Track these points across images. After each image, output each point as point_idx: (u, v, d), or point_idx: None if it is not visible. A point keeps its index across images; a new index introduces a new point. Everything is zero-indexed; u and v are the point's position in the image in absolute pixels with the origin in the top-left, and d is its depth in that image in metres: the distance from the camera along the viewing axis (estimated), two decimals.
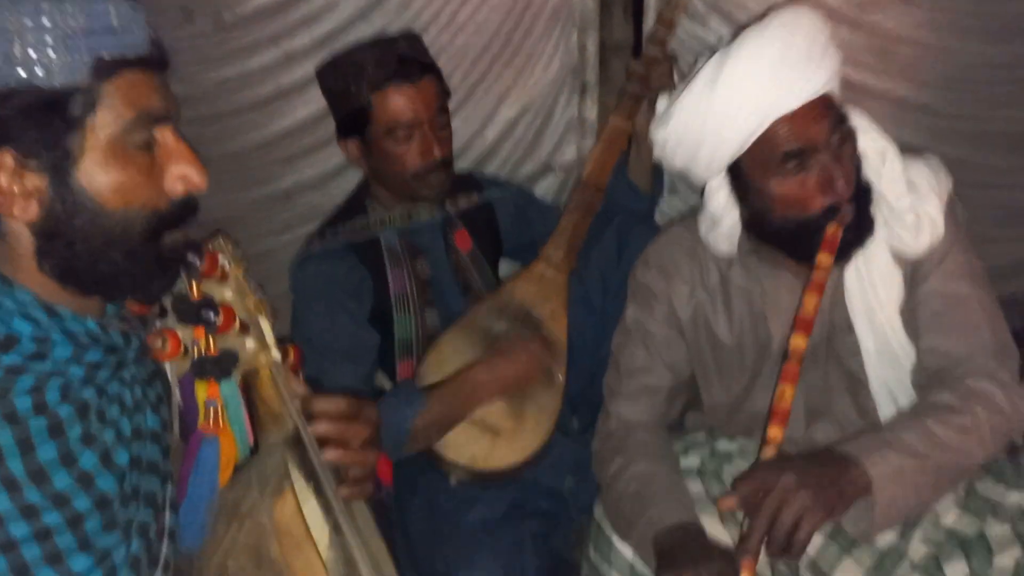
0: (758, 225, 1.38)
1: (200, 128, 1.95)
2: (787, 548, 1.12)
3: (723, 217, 1.40)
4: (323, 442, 0.97)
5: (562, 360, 1.70)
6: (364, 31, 1.86)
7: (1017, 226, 1.53)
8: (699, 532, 1.29)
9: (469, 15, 1.96)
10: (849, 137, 1.31)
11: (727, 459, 1.51)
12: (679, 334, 1.52)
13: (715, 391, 1.54)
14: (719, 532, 1.38)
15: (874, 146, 1.34)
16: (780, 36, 1.28)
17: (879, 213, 1.33)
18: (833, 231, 1.28)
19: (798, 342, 1.24)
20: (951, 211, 1.36)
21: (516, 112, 2.11)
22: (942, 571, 1.32)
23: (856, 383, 1.43)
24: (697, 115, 1.31)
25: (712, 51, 1.91)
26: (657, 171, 1.89)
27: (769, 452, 1.19)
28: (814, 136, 1.26)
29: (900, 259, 1.36)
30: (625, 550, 1.36)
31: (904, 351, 1.38)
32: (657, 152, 1.43)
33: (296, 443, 0.95)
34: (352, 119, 1.68)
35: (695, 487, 1.44)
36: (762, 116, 1.26)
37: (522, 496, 1.64)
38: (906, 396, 1.41)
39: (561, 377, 1.67)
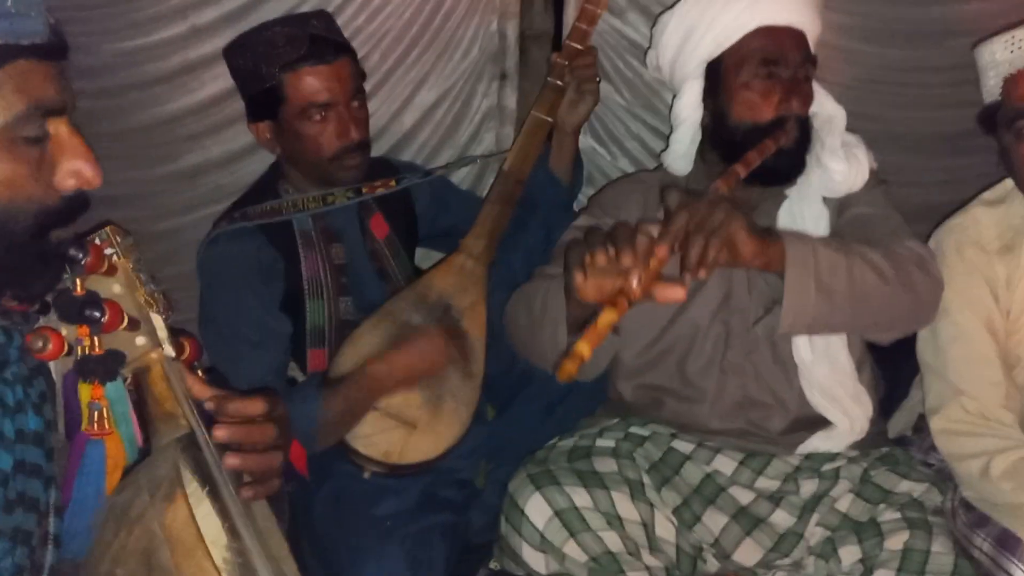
0: (715, 127, 1.56)
1: (102, 101, 1.86)
2: (699, 260, 1.19)
3: (686, 118, 1.58)
4: (224, 446, 0.93)
5: (480, 352, 1.69)
6: (276, 9, 1.79)
7: (917, 223, 1.61)
8: None
9: None
10: (809, 83, 1.53)
11: (639, 442, 1.55)
12: None
13: (645, 312, 1.54)
14: (629, 509, 1.41)
15: (826, 109, 1.56)
16: None
17: (813, 156, 1.54)
18: (770, 143, 1.45)
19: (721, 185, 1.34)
20: (874, 173, 1.58)
21: (435, 98, 2.08)
22: (837, 554, 1.39)
23: (776, 319, 1.48)
24: (701, 2, 1.52)
25: (632, 46, 1.96)
26: (577, 163, 1.90)
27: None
28: (788, 54, 1.50)
29: (828, 201, 1.55)
30: (536, 519, 1.38)
31: None
32: (656, 40, 1.61)
33: (190, 444, 0.92)
34: (263, 100, 1.63)
35: (610, 466, 1.47)
36: (753, 16, 1.48)
37: (434, 486, 1.63)
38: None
39: (477, 369, 1.66)
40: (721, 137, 1.56)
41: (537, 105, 1.78)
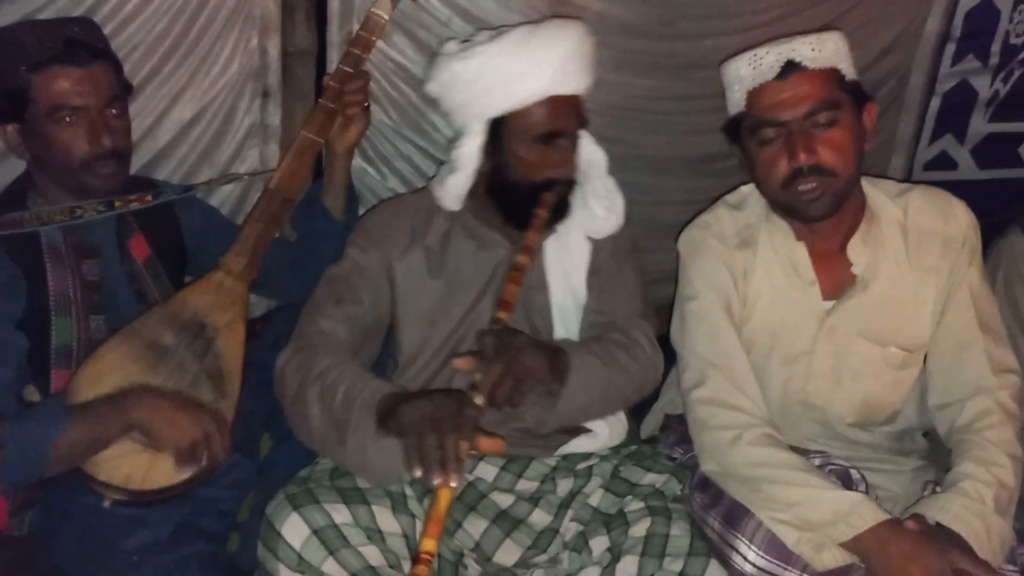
0: (494, 178, 1.64)
1: None
2: (511, 398, 1.35)
3: (466, 165, 1.63)
4: None
5: (236, 373, 1.64)
6: (7, 15, 1.69)
7: (662, 239, 1.75)
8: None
9: (135, 8, 1.85)
10: (577, 139, 1.66)
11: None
12: (388, 280, 1.65)
13: (421, 336, 1.66)
14: (390, 523, 1.41)
15: (590, 152, 1.69)
16: (578, 34, 1.62)
17: (579, 200, 1.67)
18: (549, 196, 1.59)
19: (522, 259, 1.53)
20: (627, 217, 1.74)
21: (192, 114, 2.02)
22: (588, 546, 1.47)
23: (537, 335, 1.62)
24: (500, 63, 1.57)
25: (398, 68, 2.02)
26: (351, 196, 1.89)
27: None
28: (568, 123, 1.61)
29: (589, 240, 1.70)
30: (292, 539, 1.34)
31: (582, 310, 1.68)
32: (444, 80, 1.62)
33: None
34: (10, 100, 1.55)
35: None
36: (545, 85, 1.57)
37: (192, 516, 1.56)
38: None
39: (232, 390, 1.61)
40: (498, 189, 1.64)
41: (307, 125, 1.77)
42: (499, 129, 1.60)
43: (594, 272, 1.69)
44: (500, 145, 1.61)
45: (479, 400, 1.31)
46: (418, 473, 1.22)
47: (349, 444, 1.38)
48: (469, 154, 1.62)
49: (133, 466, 1.46)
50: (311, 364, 1.48)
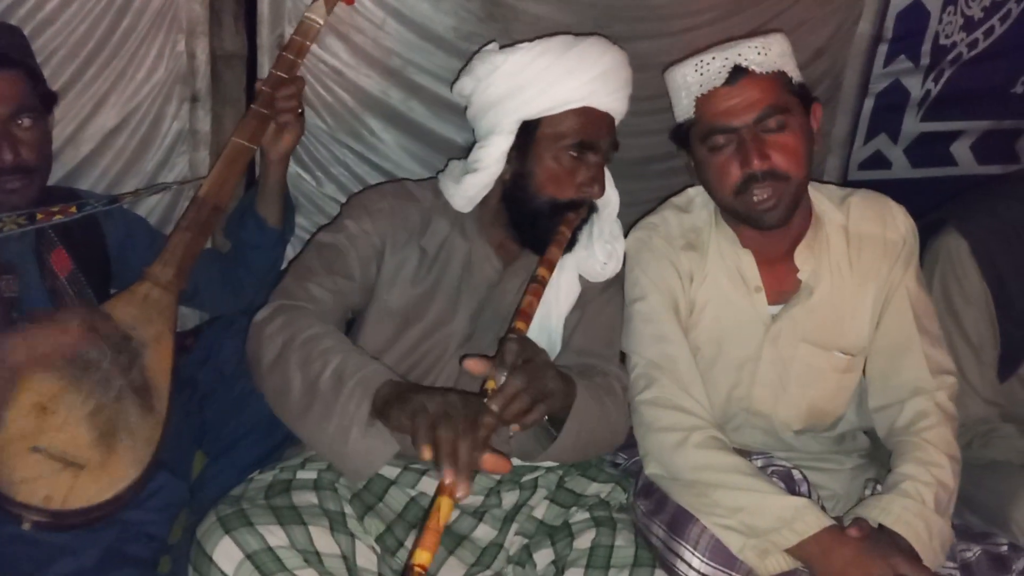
0: (514, 188, 1.59)
1: None
2: (524, 415, 1.28)
3: (487, 168, 1.58)
4: None
5: (164, 388, 1.58)
6: None
7: None
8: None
9: (54, 10, 1.78)
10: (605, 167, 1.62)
11: (341, 473, 1.50)
12: (377, 268, 1.61)
13: (389, 335, 1.60)
14: (328, 543, 1.35)
15: (608, 192, 1.64)
16: (621, 55, 1.61)
17: (585, 234, 1.62)
18: (574, 216, 1.55)
19: (543, 272, 1.45)
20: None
21: (116, 120, 1.94)
22: (532, 559, 1.45)
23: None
24: (544, 61, 1.54)
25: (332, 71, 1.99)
26: (287, 204, 1.84)
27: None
28: (601, 139, 1.57)
29: (581, 281, 1.65)
30: (225, 565, 1.27)
31: (555, 346, 1.62)
32: (481, 73, 1.59)
33: None
34: None
35: (309, 499, 1.40)
36: (586, 93, 1.54)
37: (119, 542, 1.50)
38: None
39: (160, 405, 1.55)
40: (516, 199, 1.59)
41: (238, 131, 1.71)
42: (530, 135, 1.56)
43: (578, 310, 1.65)
44: (528, 152, 1.56)
45: (494, 407, 1.23)
46: (428, 455, 1.13)
47: (331, 425, 1.30)
48: (496, 155, 1.57)
49: (53, 486, 1.40)
50: (297, 327, 1.41)
